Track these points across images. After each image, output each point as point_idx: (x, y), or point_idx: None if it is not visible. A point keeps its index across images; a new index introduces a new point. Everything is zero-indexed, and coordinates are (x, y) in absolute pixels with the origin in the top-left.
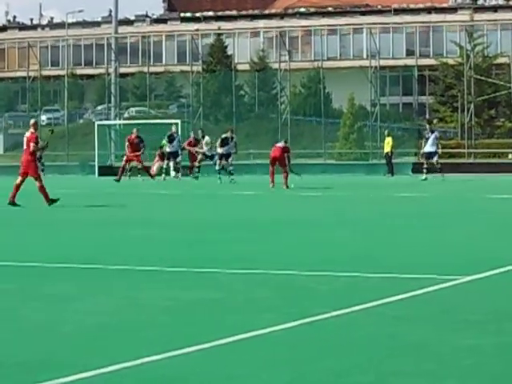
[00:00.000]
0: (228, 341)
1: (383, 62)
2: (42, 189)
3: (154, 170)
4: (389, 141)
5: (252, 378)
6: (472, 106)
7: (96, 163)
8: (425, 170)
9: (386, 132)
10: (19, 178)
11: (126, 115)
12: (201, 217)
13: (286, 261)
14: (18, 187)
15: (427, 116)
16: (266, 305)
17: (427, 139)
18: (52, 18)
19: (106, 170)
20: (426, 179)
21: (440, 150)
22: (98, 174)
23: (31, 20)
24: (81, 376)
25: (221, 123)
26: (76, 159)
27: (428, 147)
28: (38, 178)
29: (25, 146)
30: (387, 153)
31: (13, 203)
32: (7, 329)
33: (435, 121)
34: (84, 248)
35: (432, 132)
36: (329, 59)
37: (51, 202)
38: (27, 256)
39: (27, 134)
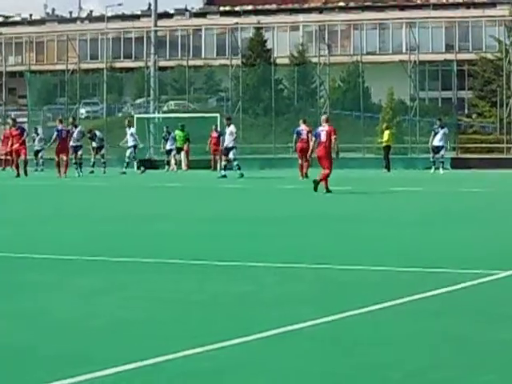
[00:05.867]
0: (265, 335)
1: (422, 57)
2: (326, 178)
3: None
4: (386, 134)
5: (285, 372)
6: (511, 100)
7: None
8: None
9: (384, 125)
10: (325, 170)
11: (165, 108)
12: (240, 211)
13: (320, 255)
14: (327, 176)
15: (466, 111)
16: (302, 299)
17: (436, 134)
18: (91, 11)
19: (144, 163)
20: (434, 173)
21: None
22: (136, 168)
23: (70, 13)
24: (118, 369)
25: (259, 117)
26: (114, 152)
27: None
28: (330, 168)
29: (323, 139)
30: (384, 147)
31: (328, 191)
32: (39, 322)
33: (474, 115)
34: (114, 241)
35: (442, 128)
36: (368, 53)
37: (327, 191)
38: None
39: (322, 128)
